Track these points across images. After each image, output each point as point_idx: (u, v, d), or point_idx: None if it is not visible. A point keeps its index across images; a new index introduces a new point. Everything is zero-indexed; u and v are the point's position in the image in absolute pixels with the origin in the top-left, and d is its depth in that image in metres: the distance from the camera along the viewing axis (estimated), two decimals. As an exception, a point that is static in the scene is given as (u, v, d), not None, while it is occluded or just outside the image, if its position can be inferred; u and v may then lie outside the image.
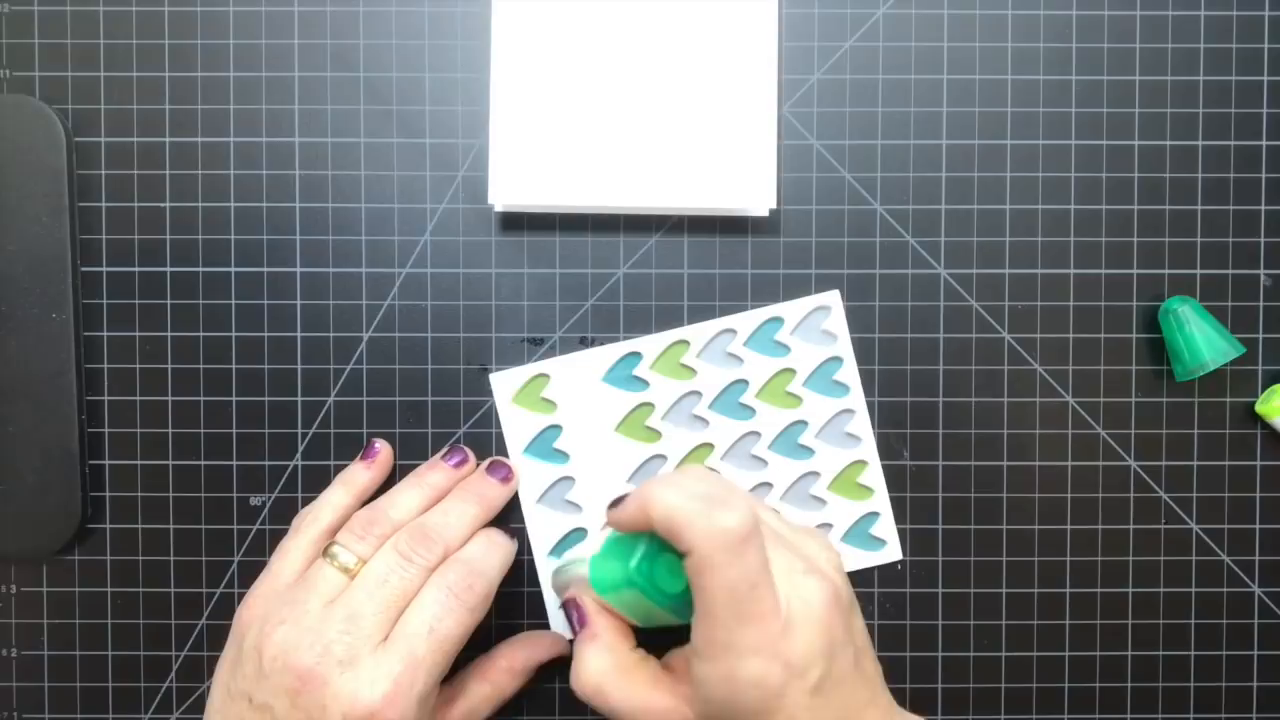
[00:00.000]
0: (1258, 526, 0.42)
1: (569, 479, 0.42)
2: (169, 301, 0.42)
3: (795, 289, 0.42)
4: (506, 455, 0.42)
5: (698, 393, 0.42)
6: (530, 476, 0.42)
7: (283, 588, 0.36)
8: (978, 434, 0.42)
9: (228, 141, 0.42)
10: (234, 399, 0.42)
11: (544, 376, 0.42)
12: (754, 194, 0.40)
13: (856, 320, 0.42)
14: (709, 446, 0.42)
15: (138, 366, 0.42)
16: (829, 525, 0.42)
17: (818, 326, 0.42)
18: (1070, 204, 0.42)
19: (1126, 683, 0.42)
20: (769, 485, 0.42)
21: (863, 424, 0.42)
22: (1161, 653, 0.42)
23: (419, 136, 0.42)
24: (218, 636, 0.42)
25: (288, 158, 0.42)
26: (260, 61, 0.42)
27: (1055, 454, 0.42)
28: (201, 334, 0.42)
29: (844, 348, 0.42)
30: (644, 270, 0.42)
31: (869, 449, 0.42)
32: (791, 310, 0.42)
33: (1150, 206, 0.42)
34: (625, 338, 0.42)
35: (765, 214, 0.41)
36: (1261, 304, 0.42)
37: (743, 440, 0.42)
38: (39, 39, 0.42)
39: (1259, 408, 0.42)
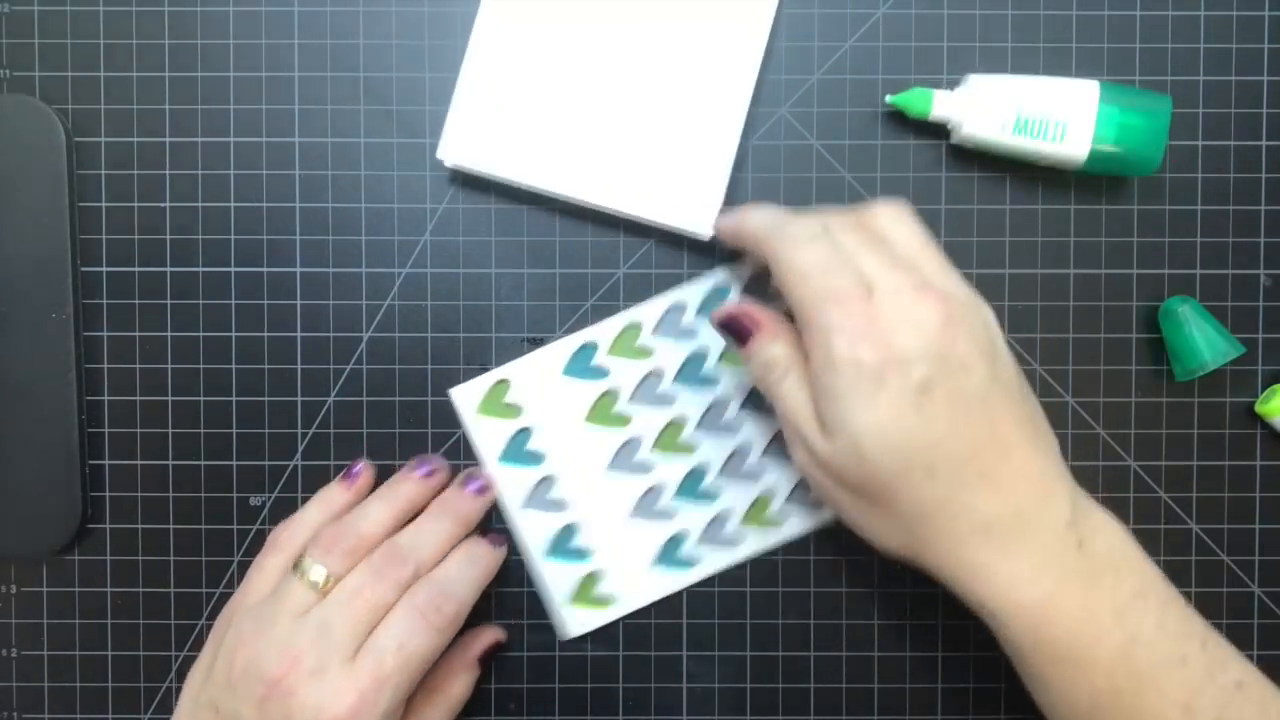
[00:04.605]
0: (1258, 526, 0.42)
1: (549, 478, 0.42)
2: (169, 301, 0.42)
3: (795, 289, 0.42)
4: (481, 467, 0.42)
5: (659, 371, 0.42)
6: (511, 483, 0.41)
7: (256, 602, 0.37)
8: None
9: (228, 141, 0.42)
10: (234, 399, 0.42)
11: (504, 382, 0.41)
12: (696, 216, 0.40)
13: (856, 320, 0.42)
14: (681, 421, 0.42)
15: (138, 366, 0.42)
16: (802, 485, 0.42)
17: (765, 285, 0.41)
18: (1070, 204, 0.42)
19: (1126, 683, 0.42)
20: (748, 447, 0.41)
21: None
22: (1161, 653, 0.42)
23: (419, 136, 0.42)
24: (218, 636, 0.42)
25: (288, 158, 0.42)
26: (260, 61, 0.42)
27: (1055, 454, 0.42)
28: (201, 334, 0.42)
29: None
30: (644, 270, 0.42)
31: None
32: (737, 273, 0.42)
33: (1150, 206, 0.42)
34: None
35: (705, 239, 0.41)
36: (1261, 304, 0.42)
37: (712, 410, 0.42)
38: (39, 39, 0.42)
39: (1259, 408, 0.42)
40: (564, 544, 0.42)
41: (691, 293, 0.42)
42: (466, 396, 0.41)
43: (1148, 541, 0.42)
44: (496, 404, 0.41)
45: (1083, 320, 0.42)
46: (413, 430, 0.42)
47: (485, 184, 0.42)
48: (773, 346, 0.35)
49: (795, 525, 0.42)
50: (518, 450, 0.42)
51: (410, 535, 0.37)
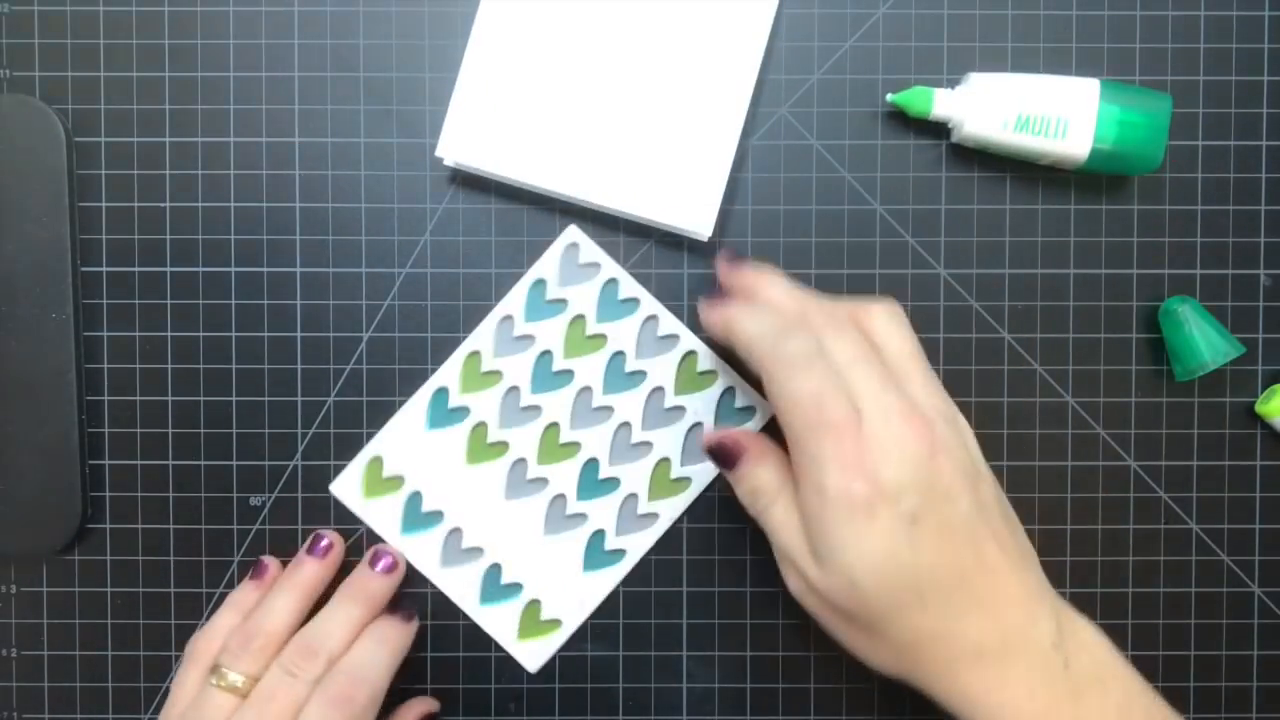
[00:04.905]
0: (1258, 526, 0.42)
1: (456, 531, 0.41)
2: (169, 301, 0.42)
3: (795, 289, 0.42)
4: (386, 544, 0.41)
5: (514, 388, 0.41)
6: (421, 550, 0.41)
7: (178, 716, 0.37)
8: (978, 434, 0.42)
9: (228, 141, 0.42)
10: (234, 399, 0.42)
11: (376, 460, 0.41)
12: (696, 216, 0.40)
13: (856, 320, 0.42)
14: (555, 426, 0.41)
15: (138, 366, 0.42)
16: (699, 424, 0.41)
17: (577, 264, 0.41)
18: (1070, 204, 0.42)
19: (1126, 683, 0.42)
20: (627, 424, 0.41)
21: (670, 322, 0.41)
22: (1161, 653, 0.42)
23: (419, 136, 0.42)
24: (218, 636, 0.42)
25: (288, 158, 0.42)
26: (260, 61, 0.42)
27: (1055, 454, 0.42)
28: (201, 334, 0.42)
29: (611, 268, 0.41)
30: (644, 270, 0.42)
31: (690, 338, 0.41)
32: (545, 266, 0.41)
33: (1150, 206, 0.42)
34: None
35: (704, 239, 0.41)
36: (1261, 304, 0.42)
37: (580, 401, 0.41)
38: (39, 39, 0.42)
39: (1259, 408, 0.42)
40: (494, 587, 0.41)
41: (512, 302, 0.41)
42: (347, 486, 0.41)
43: (1147, 541, 0.42)
44: (377, 482, 0.41)
45: (1083, 320, 0.42)
46: (413, 430, 0.42)
47: (485, 184, 0.42)
48: (760, 472, 0.35)
49: (703, 476, 0.42)
50: (415, 517, 0.41)
51: (318, 625, 0.38)
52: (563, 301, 0.41)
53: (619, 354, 0.41)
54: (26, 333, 0.41)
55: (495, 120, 0.40)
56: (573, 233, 0.41)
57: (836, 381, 0.33)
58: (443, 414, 0.41)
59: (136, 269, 0.42)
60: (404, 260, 0.42)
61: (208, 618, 0.42)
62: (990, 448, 0.42)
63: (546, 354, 0.41)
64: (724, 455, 0.37)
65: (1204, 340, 0.40)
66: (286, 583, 0.39)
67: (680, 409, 0.42)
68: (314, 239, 0.42)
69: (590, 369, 0.41)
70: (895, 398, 0.33)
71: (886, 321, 0.35)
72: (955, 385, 0.42)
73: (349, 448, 0.42)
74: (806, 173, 0.42)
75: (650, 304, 0.41)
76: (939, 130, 0.42)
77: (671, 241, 0.42)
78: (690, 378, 0.42)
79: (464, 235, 0.42)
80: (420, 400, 0.41)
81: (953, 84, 0.41)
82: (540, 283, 0.41)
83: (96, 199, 0.42)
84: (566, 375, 0.41)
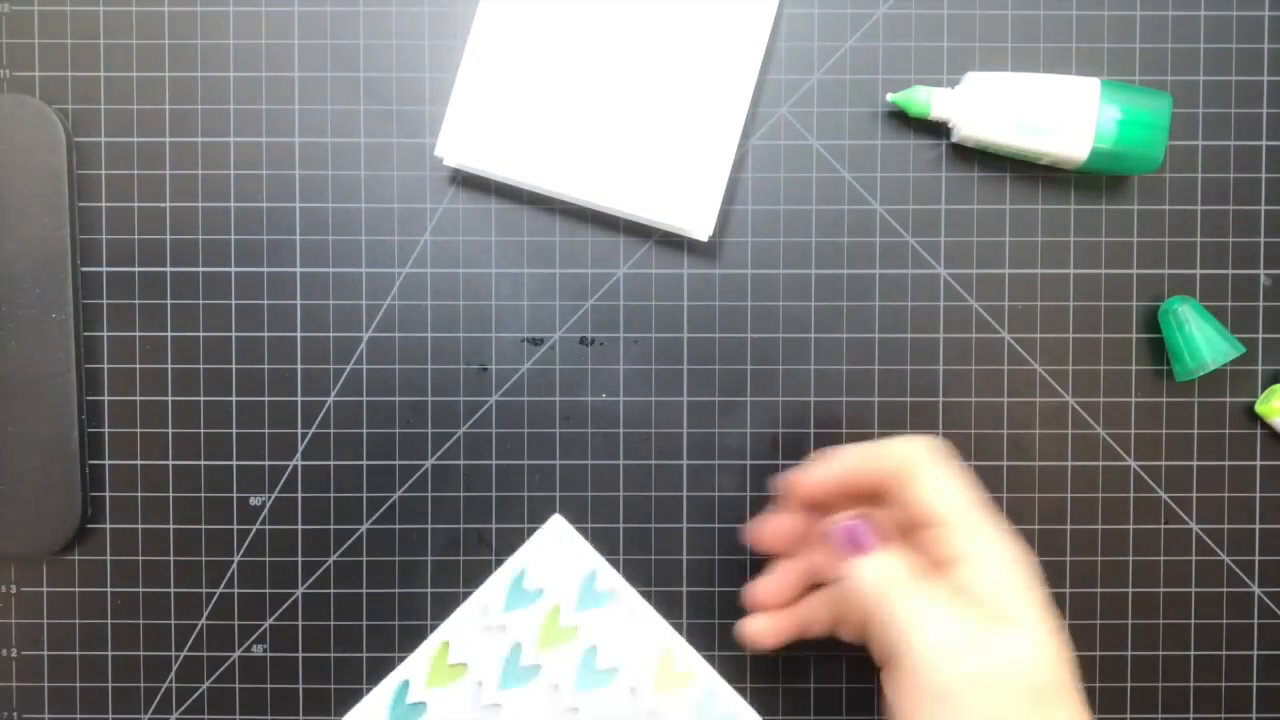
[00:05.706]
0: (1258, 526, 0.42)
1: None
2: (169, 301, 0.42)
3: (795, 289, 0.42)
4: None
5: (478, 682, 0.40)
6: None
7: None
8: (978, 434, 0.42)
9: (228, 141, 0.42)
10: (234, 399, 0.42)
11: None
12: (695, 216, 0.40)
13: (856, 320, 0.42)
14: None
15: (138, 366, 0.42)
16: None
17: (561, 555, 0.41)
18: (1070, 204, 0.42)
19: (1126, 683, 0.42)
20: None
21: (650, 617, 0.41)
22: (1161, 653, 0.42)
23: (419, 136, 0.42)
24: (217, 636, 0.42)
25: (288, 158, 0.42)
26: (260, 61, 0.42)
27: (1055, 454, 0.42)
28: (201, 334, 0.42)
29: (591, 559, 0.41)
30: (644, 270, 0.42)
31: (666, 633, 0.41)
32: (530, 555, 0.41)
33: (1150, 206, 0.42)
34: (625, 336, 0.42)
35: (704, 239, 0.41)
36: (1261, 304, 0.42)
37: (548, 700, 0.40)
38: (39, 39, 0.42)
39: (1259, 408, 0.42)
40: None
41: (492, 590, 0.41)
42: None
43: (1148, 541, 0.42)
44: None
45: (1083, 320, 0.42)
46: (413, 430, 0.42)
47: (485, 184, 0.42)
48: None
49: None
50: None
51: None
52: (540, 590, 0.41)
53: (591, 648, 0.40)
54: (26, 333, 0.41)
55: (495, 120, 0.40)
56: (558, 525, 0.41)
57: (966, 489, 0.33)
58: (403, 708, 0.40)
59: (136, 269, 0.42)
60: (404, 260, 0.42)
61: (208, 620, 0.42)
62: (990, 448, 0.42)
63: (518, 646, 0.40)
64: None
65: (1204, 340, 0.40)
66: None
67: (655, 713, 0.40)
68: (314, 239, 0.42)
69: (560, 665, 0.40)
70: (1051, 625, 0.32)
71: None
72: (956, 385, 0.42)
73: (349, 448, 0.42)
74: (806, 173, 0.42)
75: (629, 598, 0.41)
76: (939, 130, 0.42)
77: (671, 241, 0.42)
78: (666, 675, 0.40)
79: (464, 235, 0.42)
80: (384, 690, 0.41)
81: (953, 84, 0.41)
82: (522, 573, 0.41)
83: (96, 199, 0.42)
84: (533, 670, 0.40)
